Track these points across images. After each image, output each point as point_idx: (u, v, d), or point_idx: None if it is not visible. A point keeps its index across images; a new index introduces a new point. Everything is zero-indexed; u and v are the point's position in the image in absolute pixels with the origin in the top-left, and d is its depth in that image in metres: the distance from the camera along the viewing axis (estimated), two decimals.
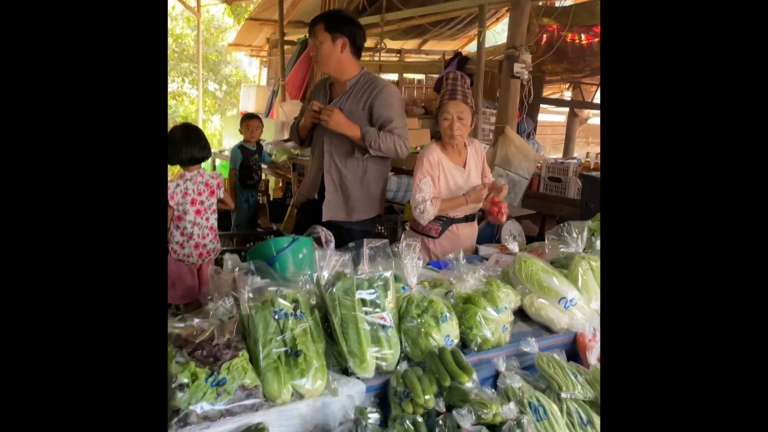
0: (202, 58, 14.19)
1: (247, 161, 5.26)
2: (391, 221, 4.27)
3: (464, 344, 1.91)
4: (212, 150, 8.06)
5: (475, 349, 1.88)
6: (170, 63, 13.03)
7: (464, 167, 2.93)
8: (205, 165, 7.17)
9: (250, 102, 8.44)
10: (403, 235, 3.18)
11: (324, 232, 2.76)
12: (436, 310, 1.82)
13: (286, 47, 7.77)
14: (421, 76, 9.19)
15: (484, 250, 2.94)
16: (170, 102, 13.84)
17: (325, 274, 1.80)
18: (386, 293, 1.77)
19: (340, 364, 1.71)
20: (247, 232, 5.12)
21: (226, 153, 6.77)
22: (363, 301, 1.73)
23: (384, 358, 1.71)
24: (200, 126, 11.23)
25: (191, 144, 3.14)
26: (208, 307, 1.68)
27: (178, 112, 14.35)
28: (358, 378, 1.66)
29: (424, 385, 1.61)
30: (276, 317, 1.62)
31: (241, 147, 5.30)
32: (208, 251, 3.30)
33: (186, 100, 14.78)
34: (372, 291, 1.74)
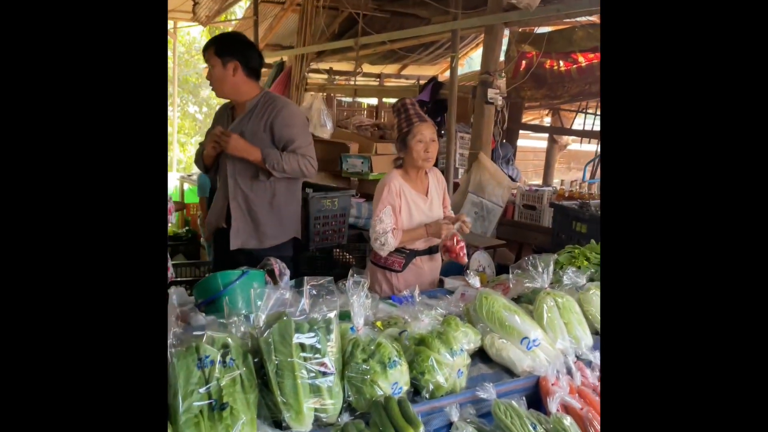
0: (183, 80, 14.10)
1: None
2: (359, 250, 4.13)
3: (416, 391, 1.76)
4: (181, 173, 7.92)
5: (427, 396, 1.73)
6: None
7: (426, 195, 2.80)
8: (174, 191, 7.03)
9: None
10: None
11: (278, 264, 2.60)
12: (383, 354, 1.66)
13: (262, 70, 7.66)
14: None
15: (450, 282, 2.80)
16: None
17: (262, 315, 1.65)
18: (328, 336, 1.62)
19: (275, 416, 1.55)
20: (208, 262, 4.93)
21: (194, 177, 6.60)
22: (301, 346, 1.57)
23: (324, 410, 1.55)
24: (176, 150, 11.09)
25: None
26: None
27: None
28: None
29: None
30: (200, 365, 1.45)
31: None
32: None
33: None
34: (312, 334, 1.59)
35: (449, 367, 1.75)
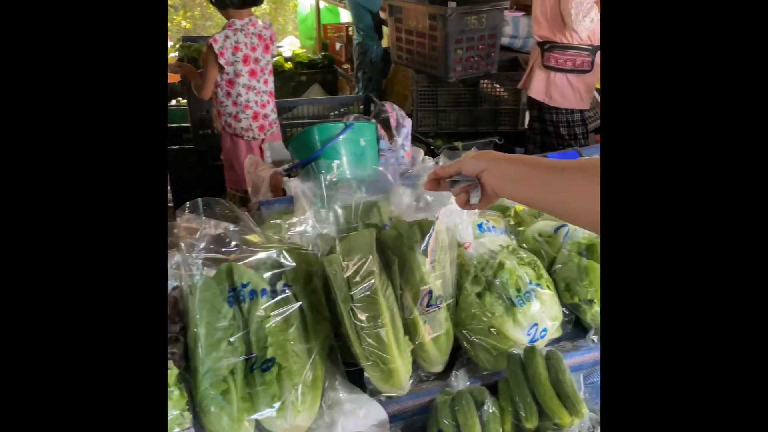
0: None
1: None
2: (513, 80, 3.28)
3: (579, 323, 1.14)
4: None
5: (595, 339, 1.10)
6: None
7: None
8: (310, 10, 6.29)
9: None
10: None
11: (395, 111, 1.99)
12: (507, 284, 1.04)
13: None
14: None
15: None
16: None
17: (339, 209, 1.08)
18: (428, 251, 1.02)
19: (355, 364, 1.04)
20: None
21: None
22: (387, 267, 0.99)
23: (426, 363, 1.01)
24: None
25: None
26: None
27: None
28: (380, 398, 0.99)
29: (490, 425, 0.91)
30: (232, 299, 0.95)
31: None
32: (270, 123, 2.68)
33: None
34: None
35: None
